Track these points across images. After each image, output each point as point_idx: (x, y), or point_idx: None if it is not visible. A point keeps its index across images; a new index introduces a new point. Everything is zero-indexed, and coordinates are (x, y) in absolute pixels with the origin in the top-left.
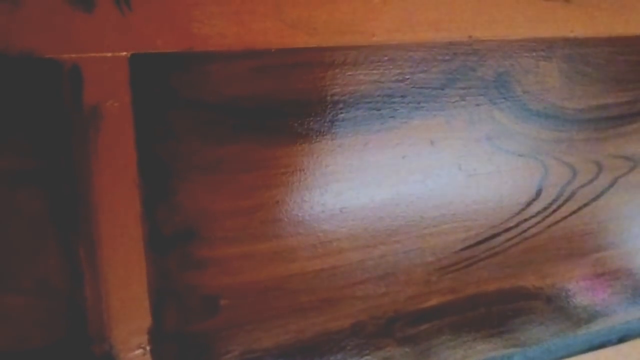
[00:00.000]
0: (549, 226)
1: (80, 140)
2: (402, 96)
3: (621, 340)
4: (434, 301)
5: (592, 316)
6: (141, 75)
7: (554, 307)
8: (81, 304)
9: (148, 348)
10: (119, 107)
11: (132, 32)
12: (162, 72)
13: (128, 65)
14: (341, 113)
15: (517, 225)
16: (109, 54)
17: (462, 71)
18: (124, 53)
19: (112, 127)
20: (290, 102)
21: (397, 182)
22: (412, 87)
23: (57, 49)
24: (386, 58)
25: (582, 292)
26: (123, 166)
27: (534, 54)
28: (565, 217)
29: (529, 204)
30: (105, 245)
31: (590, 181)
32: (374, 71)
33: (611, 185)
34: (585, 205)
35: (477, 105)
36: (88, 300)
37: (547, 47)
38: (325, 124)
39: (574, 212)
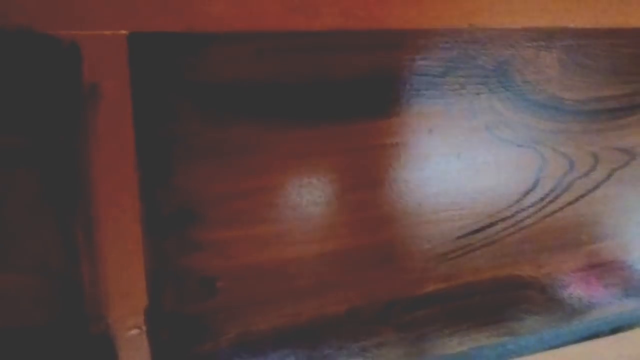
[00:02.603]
0: (545, 217)
1: (78, 119)
2: (401, 83)
3: (614, 331)
4: (430, 288)
5: (585, 307)
6: (140, 54)
7: (548, 297)
8: (78, 283)
9: (144, 328)
10: (117, 86)
11: (132, 10)
12: (161, 52)
13: (127, 44)
14: (341, 98)
15: (513, 215)
16: (108, 32)
17: (462, 59)
18: (123, 31)
19: (110, 106)
20: (291, 86)
21: (395, 169)
22: (412, 74)
23: (56, 26)
24: (387, 44)
25: (577, 283)
26: (121, 146)
27: (535, 44)
28: (561, 208)
29: (525, 194)
30: (102, 225)
31: (587, 173)
32: (374, 56)
33: (608, 177)
34: (582, 196)
35: (477, 94)
36: (85, 280)
37: (547, 37)
38: (325, 109)
39: (570, 203)
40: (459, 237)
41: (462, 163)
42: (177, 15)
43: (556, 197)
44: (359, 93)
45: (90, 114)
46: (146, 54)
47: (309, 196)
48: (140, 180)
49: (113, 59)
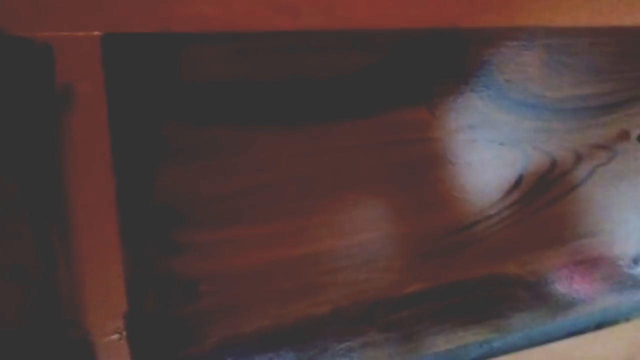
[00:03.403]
0: (529, 214)
1: (51, 120)
2: (384, 83)
3: (599, 326)
4: (415, 287)
5: (570, 303)
6: (114, 55)
7: (534, 294)
8: (55, 288)
9: (124, 333)
10: (92, 87)
11: (106, 10)
12: (137, 53)
13: (100, 45)
14: (323, 98)
15: (497, 213)
16: (81, 33)
17: (444, 59)
18: (97, 32)
19: (84, 108)
20: (272, 86)
21: (378, 169)
22: (395, 74)
23: (28, 27)
24: (369, 43)
25: (561, 280)
26: (97, 148)
27: (516, 43)
28: (544, 206)
29: (509, 192)
30: (79, 229)
31: (570, 170)
32: (356, 57)
33: (590, 174)
34: (565, 194)
35: (459, 93)
36: (62, 285)
37: (528, 36)
38: (307, 109)
39: (554, 200)
40: (443, 236)
41: (445, 162)
42: (153, 16)
43: (540, 195)
44: (340, 93)
45: (64, 116)
46: (121, 55)
47: (292, 197)
48: (117, 183)
49: (87, 60)
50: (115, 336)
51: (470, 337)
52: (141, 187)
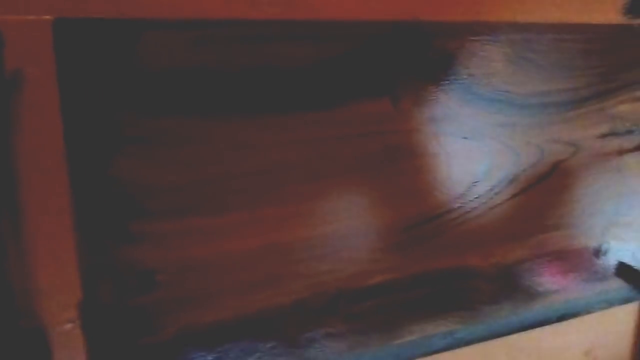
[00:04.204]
0: (492, 208)
1: (0, 107)
2: (346, 75)
3: (560, 318)
4: (378, 279)
5: (533, 295)
6: (66, 41)
7: (497, 286)
8: (7, 277)
9: (78, 322)
10: (42, 73)
11: None
12: (90, 39)
13: (52, 29)
14: (285, 89)
15: (461, 207)
16: (32, 17)
17: (407, 52)
18: (48, 17)
19: (35, 94)
20: (229, 76)
21: (341, 161)
22: (357, 67)
23: None
24: (332, 34)
25: (524, 272)
26: (48, 136)
27: (479, 37)
28: (508, 200)
29: (472, 186)
30: (31, 217)
31: (533, 165)
32: (314, 47)
33: (553, 169)
34: (528, 188)
35: (422, 87)
36: (14, 274)
37: (492, 31)
38: (265, 100)
39: (517, 194)
40: (406, 228)
41: (408, 155)
42: (108, 0)
43: (503, 189)
44: (302, 84)
45: (13, 102)
46: (73, 41)
47: (251, 188)
48: (70, 171)
49: (37, 45)
50: (69, 325)
51: (434, 328)
52: (96, 176)
